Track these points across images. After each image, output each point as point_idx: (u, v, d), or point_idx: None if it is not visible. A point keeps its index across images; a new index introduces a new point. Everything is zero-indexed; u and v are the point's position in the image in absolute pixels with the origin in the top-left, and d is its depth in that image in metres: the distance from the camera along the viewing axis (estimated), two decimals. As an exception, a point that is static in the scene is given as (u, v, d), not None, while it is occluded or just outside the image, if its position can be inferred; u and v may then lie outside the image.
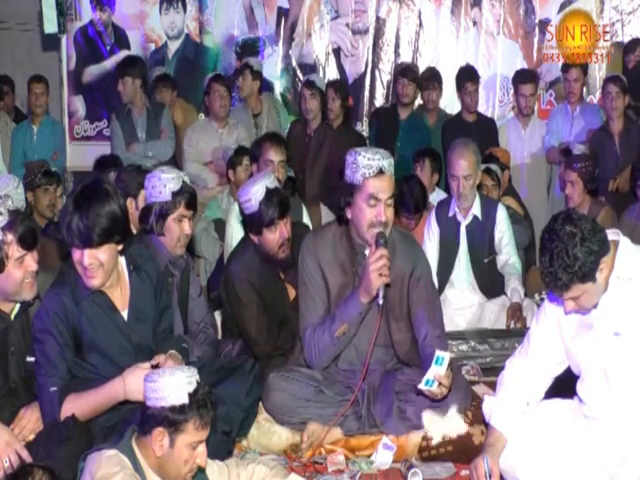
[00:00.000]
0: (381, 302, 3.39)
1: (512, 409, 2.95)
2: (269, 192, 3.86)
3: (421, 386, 3.25)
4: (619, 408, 2.80)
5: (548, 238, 2.64)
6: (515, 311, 4.55)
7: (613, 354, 2.77)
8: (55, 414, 3.04)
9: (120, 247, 3.09)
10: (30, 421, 3.12)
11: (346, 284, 3.54)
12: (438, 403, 3.41)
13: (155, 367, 3.03)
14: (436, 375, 3.22)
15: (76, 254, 3.02)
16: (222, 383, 3.31)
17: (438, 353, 3.23)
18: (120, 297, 3.19)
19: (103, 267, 3.04)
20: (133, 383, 3.00)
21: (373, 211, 3.44)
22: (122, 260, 3.19)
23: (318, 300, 3.56)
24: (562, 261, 2.60)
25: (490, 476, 2.85)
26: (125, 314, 3.20)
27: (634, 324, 2.73)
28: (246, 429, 3.49)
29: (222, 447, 3.19)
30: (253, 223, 3.92)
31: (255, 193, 3.87)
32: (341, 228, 3.61)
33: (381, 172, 3.43)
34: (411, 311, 3.59)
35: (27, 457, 2.92)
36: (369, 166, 3.41)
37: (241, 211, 4.06)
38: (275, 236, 3.90)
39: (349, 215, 3.52)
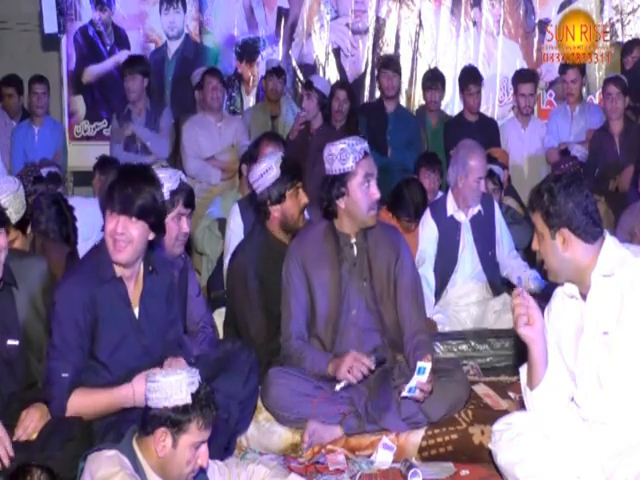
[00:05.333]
0: (337, 389, 3.55)
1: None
2: (285, 158, 4.07)
3: (404, 394, 3.42)
4: (614, 410, 2.80)
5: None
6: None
7: (604, 354, 2.78)
8: (63, 401, 3.04)
9: (151, 236, 3.14)
10: (33, 420, 3.11)
11: (333, 277, 3.68)
12: (421, 404, 3.50)
13: None
14: (418, 383, 3.40)
15: (111, 223, 3.07)
16: (219, 376, 3.31)
17: (420, 364, 3.40)
18: (134, 293, 3.22)
19: (132, 244, 3.08)
20: (142, 391, 2.97)
21: (368, 192, 3.62)
22: (140, 260, 3.23)
23: (299, 310, 3.69)
24: (548, 186, 2.76)
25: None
26: (136, 312, 3.22)
27: (619, 321, 2.74)
28: (246, 421, 3.50)
29: (222, 436, 3.19)
30: (275, 190, 4.00)
31: (272, 159, 4.05)
32: (325, 224, 3.76)
33: (366, 153, 3.65)
34: (397, 297, 3.72)
35: (12, 456, 2.92)
36: (359, 150, 3.62)
37: (254, 196, 4.17)
38: (298, 201, 4.01)
39: (342, 205, 3.66)
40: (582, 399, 2.88)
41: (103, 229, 3.16)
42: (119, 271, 3.17)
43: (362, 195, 3.62)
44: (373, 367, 3.54)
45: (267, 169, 4.04)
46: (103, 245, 3.15)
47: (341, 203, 3.65)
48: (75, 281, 3.13)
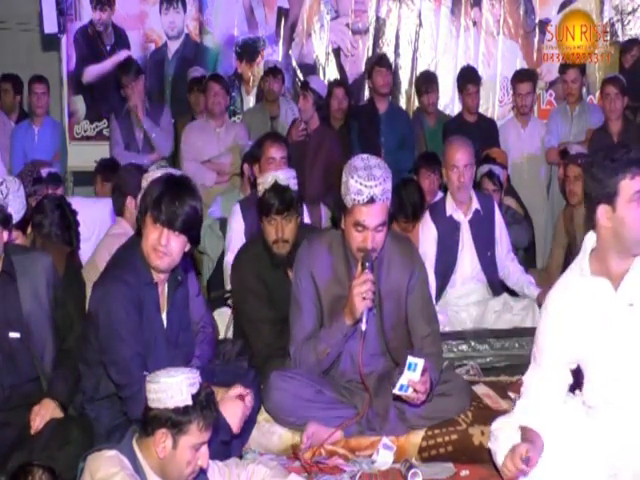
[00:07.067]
0: (364, 328, 3.35)
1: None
2: (277, 185, 3.93)
3: (395, 391, 3.29)
4: (631, 390, 2.79)
5: None
6: None
7: (628, 326, 2.77)
8: None
9: (187, 247, 3.19)
10: (48, 409, 3.12)
11: (340, 296, 3.48)
12: (416, 408, 3.42)
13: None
14: (410, 381, 3.25)
15: (154, 233, 3.10)
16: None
17: (410, 359, 3.24)
18: (161, 300, 3.27)
19: (171, 256, 3.13)
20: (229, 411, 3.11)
21: (359, 236, 3.36)
22: None
23: (307, 316, 3.55)
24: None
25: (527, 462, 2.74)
26: (164, 318, 3.26)
27: None
28: (245, 437, 3.49)
29: (219, 456, 3.18)
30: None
31: (266, 179, 3.98)
32: (338, 234, 3.58)
33: (372, 201, 3.29)
34: (408, 315, 3.59)
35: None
36: (360, 192, 3.28)
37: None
38: (271, 230, 3.95)
39: (342, 226, 3.49)
40: (599, 381, 2.86)
41: (138, 233, 3.19)
42: (154, 276, 3.22)
43: (349, 236, 3.39)
44: (371, 276, 3.32)
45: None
46: (139, 249, 3.17)
47: (342, 224, 3.46)
48: (122, 282, 3.15)
